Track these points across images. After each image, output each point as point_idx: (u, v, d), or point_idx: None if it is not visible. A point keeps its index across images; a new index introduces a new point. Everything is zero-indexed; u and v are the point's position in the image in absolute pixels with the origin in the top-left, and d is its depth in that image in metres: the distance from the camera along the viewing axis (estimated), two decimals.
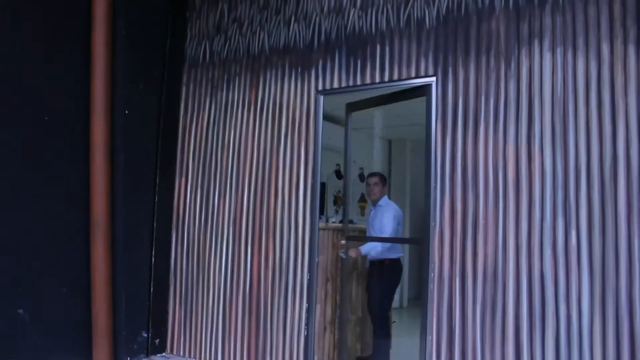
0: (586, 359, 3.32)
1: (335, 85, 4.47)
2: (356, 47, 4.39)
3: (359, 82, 4.36)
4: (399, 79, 4.18)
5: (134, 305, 4.87)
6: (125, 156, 4.80)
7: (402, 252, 5.17)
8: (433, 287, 3.86)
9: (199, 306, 5.02)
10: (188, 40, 5.40)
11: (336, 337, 4.94)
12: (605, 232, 3.33)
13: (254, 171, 4.83)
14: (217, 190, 5.02)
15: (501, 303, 3.60)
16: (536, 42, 3.65)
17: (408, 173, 8.76)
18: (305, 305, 4.45)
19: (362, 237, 4.93)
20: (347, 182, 4.92)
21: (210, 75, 5.23)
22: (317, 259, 4.48)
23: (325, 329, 4.81)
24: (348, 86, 4.41)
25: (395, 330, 5.71)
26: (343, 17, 4.48)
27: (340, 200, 7.80)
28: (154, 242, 5.08)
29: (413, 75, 4.11)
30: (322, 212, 6.33)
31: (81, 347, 4.60)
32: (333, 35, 4.52)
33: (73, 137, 4.62)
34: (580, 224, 3.41)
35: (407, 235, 6.87)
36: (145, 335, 4.98)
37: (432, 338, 3.83)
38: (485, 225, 3.70)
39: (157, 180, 5.12)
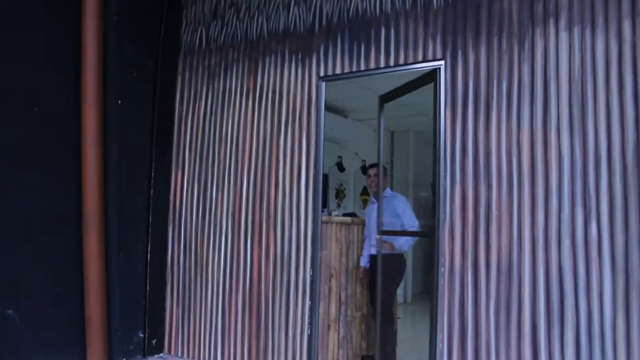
0: (609, 357, 3.11)
1: (338, 71, 4.27)
2: (359, 30, 4.18)
3: (362, 67, 4.16)
4: (405, 64, 3.97)
5: (129, 304, 4.72)
6: (118, 148, 4.66)
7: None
8: (444, 282, 3.66)
9: (197, 304, 4.84)
10: (183, 27, 5.20)
11: (341, 335, 4.74)
12: (629, 222, 3.12)
13: (253, 162, 4.64)
14: (215, 183, 4.83)
15: (517, 299, 3.40)
16: (551, 22, 3.43)
17: (411, 165, 8.61)
18: (308, 302, 4.26)
19: (396, 232, 4.66)
20: (378, 172, 4.80)
21: (206, 62, 5.03)
22: (320, 254, 4.29)
23: (329, 327, 4.62)
24: (351, 72, 4.21)
25: (400, 326, 5.54)
26: None
27: (342, 194, 7.61)
28: (149, 237, 4.92)
29: (420, 59, 3.91)
30: (324, 204, 6.15)
31: (74, 348, 4.46)
32: (335, 18, 4.31)
33: (63, 129, 4.46)
34: (601, 213, 3.20)
35: None
36: (142, 335, 4.83)
37: (442, 336, 3.63)
38: (499, 216, 3.50)
39: (152, 173, 4.96)
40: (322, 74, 4.35)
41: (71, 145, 4.46)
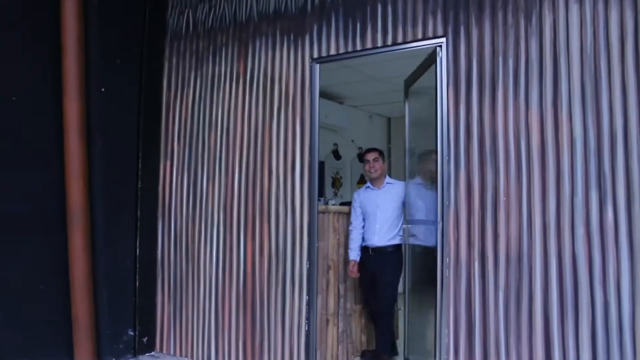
0: (628, 352, 2.91)
1: (333, 51, 4.05)
2: (354, 8, 3.95)
3: (358, 47, 3.93)
4: (404, 42, 3.75)
5: (118, 301, 4.55)
6: (103, 139, 4.46)
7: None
8: (449, 273, 3.45)
9: (189, 300, 4.64)
10: (169, 10, 4.96)
11: (340, 329, 4.54)
12: None
13: (245, 150, 4.42)
14: (206, 173, 4.62)
15: (527, 290, 3.20)
16: None
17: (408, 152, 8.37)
18: (305, 296, 4.06)
19: (422, 220, 4.37)
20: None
21: (194, 47, 4.80)
22: (317, 245, 4.10)
23: (327, 321, 4.41)
24: (347, 52, 3.99)
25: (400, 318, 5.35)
26: None
27: (338, 182, 7.39)
28: (138, 231, 4.72)
29: (420, 36, 3.68)
30: (321, 193, 5.93)
31: (61, 348, 4.32)
32: None
33: (44, 119, 4.28)
34: (617, 197, 2.99)
35: None
36: (132, 333, 4.65)
37: (448, 331, 3.42)
38: (507, 203, 3.28)
39: (140, 164, 4.76)
40: (315, 55, 4.12)
41: (53, 137, 4.27)
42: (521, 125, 3.27)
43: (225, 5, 4.61)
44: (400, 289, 4.88)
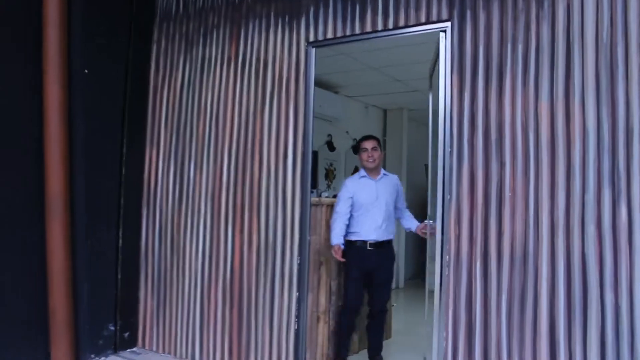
0: None
1: (330, 35, 3.83)
2: None
3: (357, 30, 3.71)
4: (406, 26, 3.53)
5: (98, 295, 4.34)
6: (85, 123, 4.27)
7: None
8: (449, 272, 3.25)
9: (173, 295, 4.43)
10: None
11: (331, 328, 4.33)
12: None
13: (235, 138, 4.20)
14: (193, 161, 4.40)
15: (532, 292, 3.00)
16: None
17: (405, 145, 8.21)
18: (295, 293, 3.85)
19: None
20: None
21: (184, 28, 4.57)
22: (308, 239, 3.89)
23: (318, 319, 4.21)
24: (345, 36, 3.77)
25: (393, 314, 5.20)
26: None
27: (332, 174, 7.18)
28: (120, 221, 4.52)
29: (423, 20, 3.47)
30: (314, 185, 5.73)
31: (38, 343, 4.10)
32: None
33: (22, 102, 4.06)
34: (632, 195, 2.79)
35: None
36: (112, 328, 4.45)
37: (447, 334, 3.23)
38: (513, 198, 3.08)
39: (124, 151, 4.55)
40: (311, 39, 3.90)
41: (31, 121, 4.06)
42: (530, 116, 3.07)
43: None
44: (392, 284, 4.73)
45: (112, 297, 4.43)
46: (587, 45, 2.95)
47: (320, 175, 7.01)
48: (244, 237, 4.09)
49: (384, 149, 8.20)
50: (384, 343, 4.53)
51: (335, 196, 4.58)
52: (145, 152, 4.68)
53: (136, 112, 4.63)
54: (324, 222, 4.37)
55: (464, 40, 3.30)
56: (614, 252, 2.81)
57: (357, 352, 4.63)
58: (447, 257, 3.26)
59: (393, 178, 4.43)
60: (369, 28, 3.66)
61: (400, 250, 7.78)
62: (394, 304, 5.50)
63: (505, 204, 3.11)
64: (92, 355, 4.24)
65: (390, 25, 3.58)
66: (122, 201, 4.51)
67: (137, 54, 4.62)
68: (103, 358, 4.31)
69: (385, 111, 8.42)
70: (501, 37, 3.19)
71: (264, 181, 4.03)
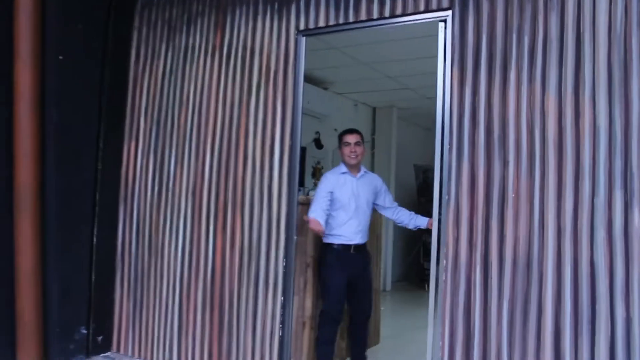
0: None
1: (322, 23, 3.64)
2: None
3: (351, 18, 3.52)
4: (404, 14, 3.34)
5: (70, 296, 4.14)
6: (58, 113, 4.08)
7: None
8: (446, 277, 3.05)
9: (151, 297, 4.22)
10: None
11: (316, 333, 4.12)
12: None
13: (219, 132, 4.01)
14: (174, 156, 4.20)
15: (536, 300, 2.82)
16: None
17: (394, 144, 8.02)
18: (280, 298, 3.64)
19: None
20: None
21: (166, 15, 4.36)
22: (295, 240, 3.70)
23: (304, 325, 3.99)
24: (337, 24, 3.58)
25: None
26: None
27: (319, 173, 6.96)
28: (96, 218, 4.32)
29: (422, 8, 3.28)
30: (301, 183, 5.51)
31: (3, 347, 3.91)
32: None
33: None
34: None
35: None
36: (85, 331, 4.23)
37: (443, 344, 3.03)
38: (516, 200, 2.90)
39: (100, 144, 4.36)
40: (302, 27, 3.71)
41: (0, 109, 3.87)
42: (536, 112, 2.88)
43: None
44: (379, 286, 4.56)
45: (85, 298, 4.22)
46: (598, 36, 2.77)
47: (307, 173, 6.80)
48: (227, 237, 3.89)
49: (373, 147, 8.03)
50: (373, 349, 4.34)
51: None
52: (123, 145, 4.47)
53: (114, 102, 4.43)
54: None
55: (466, 31, 3.11)
56: (626, 260, 2.63)
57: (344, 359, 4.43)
58: (445, 261, 3.06)
59: (373, 177, 4.15)
60: (363, 16, 3.46)
61: (387, 251, 7.60)
62: (382, 308, 5.34)
63: (507, 206, 2.92)
64: None
65: (387, 14, 3.38)
66: (97, 196, 4.31)
67: (116, 40, 4.42)
68: None
69: (374, 109, 8.23)
70: (506, 28, 3.01)
71: (248, 178, 3.84)
